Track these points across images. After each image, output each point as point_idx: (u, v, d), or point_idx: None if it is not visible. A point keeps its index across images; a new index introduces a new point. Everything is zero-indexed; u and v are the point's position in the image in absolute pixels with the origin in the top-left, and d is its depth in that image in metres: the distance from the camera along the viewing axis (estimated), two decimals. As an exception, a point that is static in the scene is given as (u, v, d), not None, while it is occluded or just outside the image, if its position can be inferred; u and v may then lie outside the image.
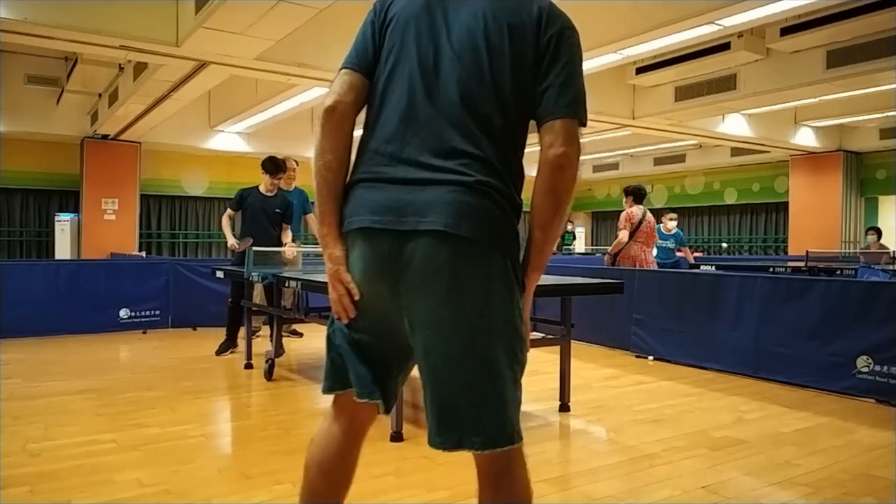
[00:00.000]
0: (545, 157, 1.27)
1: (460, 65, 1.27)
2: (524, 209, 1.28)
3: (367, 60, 1.36)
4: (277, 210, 5.26)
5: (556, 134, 1.26)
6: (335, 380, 1.38)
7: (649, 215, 6.26)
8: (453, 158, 1.23)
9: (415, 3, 1.35)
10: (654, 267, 6.33)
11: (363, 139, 1.34)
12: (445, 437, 1.25)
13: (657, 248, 7.34)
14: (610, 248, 6.44)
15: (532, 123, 1.34)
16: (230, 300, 5.26)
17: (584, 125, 1.30)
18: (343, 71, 1.38)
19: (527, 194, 1.26)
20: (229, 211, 5.34)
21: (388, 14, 1.37)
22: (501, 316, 1.24)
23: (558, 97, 1.27)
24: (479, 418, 1.23)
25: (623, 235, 6.13)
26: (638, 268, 6.06)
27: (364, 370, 1.34)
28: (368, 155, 1.31)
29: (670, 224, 7.67)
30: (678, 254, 7.97)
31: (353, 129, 1.35)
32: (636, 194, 6.17)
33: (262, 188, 5.34)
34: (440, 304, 1.22)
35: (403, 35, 1.33)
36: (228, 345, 5.28)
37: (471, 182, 1.22)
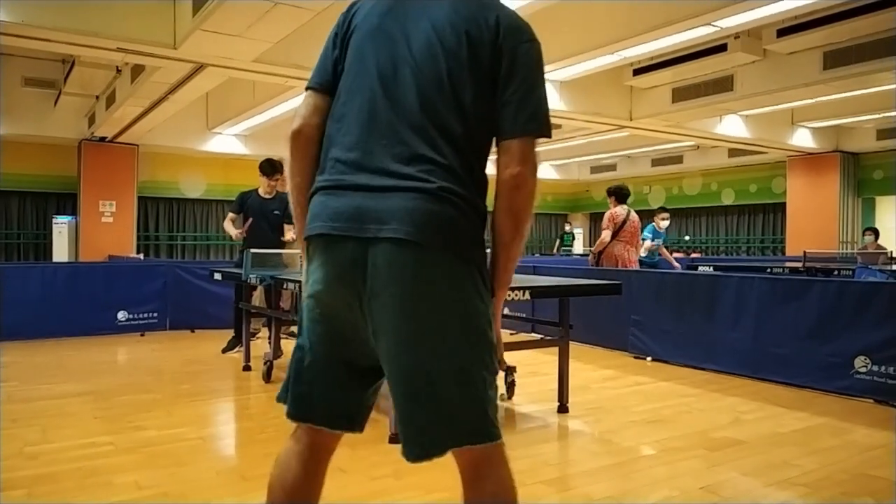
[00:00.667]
0: (501, 177, 1.28)
1: (420, 73, 1.27)
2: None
3: (328, 78, 1.38)
4: (276, 212, 5.27)
5: (512, 155, 1.27)
6: (298, 408, 1.35)
7: (633, 215, 6.34)
8: (415, 165, 1.23)
9: (375, 13, 1.36)
10: (636, 267, 6.37)
11: (325, 149, 1.34)
12: (412, 447, 1.25)
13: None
14: (593, 248, 6.53)
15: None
16: (236, 301, 5.33)
17: (548, 136, 1.30)
18: (307, 93, 1.41)
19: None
20: (231, 214, 5.39)
21: (351, 25, 1.38)
22: (466, 323, 1.23)
23: (515, 115, 1.27)
24: (444, 425, 1.23)
25: (605, 235, 6.23)
26: (621, 267, 6.11)
27: (327, 397, 1.32)
28: (330, 163, 1.31)
29: (663, 223, 7.69)
30: (660, 254, 7.93)
31: (319, 151, 1.37)
32: (619, 194, 6.27)
33: (260, 191, 5.35)
34: (402, 313, 1.21)
35: (364, 45, 1.34)
36: (235, 342, 5.33)
37: (433, 189, 1.21)
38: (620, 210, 6.28)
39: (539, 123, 1.29)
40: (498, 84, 1.28)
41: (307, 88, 1.42)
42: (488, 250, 1.34)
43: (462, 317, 1.23)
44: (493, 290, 1.34)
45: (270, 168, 5.28)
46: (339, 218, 1.24)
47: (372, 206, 1.22)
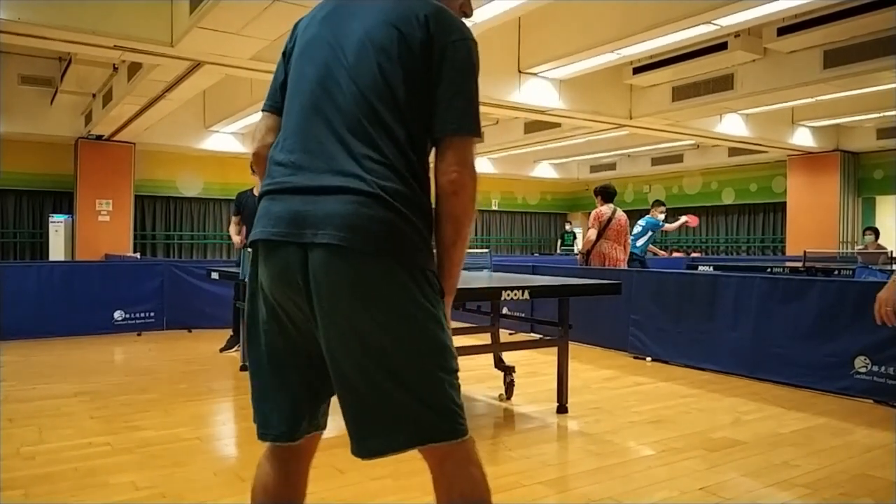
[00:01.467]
0: (439, 182, 1.28)
1: (355, 73, 1.27)
2: None
3: (278, 99, 1.41)
4: None
5: (447, 160, 1.27)
6: (260, 423, 1.36)
7: (619, 213, 6.40)
8: (354, 164, 1.22)
9: (314, 23, 1.39)
10: (624, 265, 6.42)
11: (270, 154, 1.35)
12: (361, 445, 1.25)
13: (641, 240, 7.43)
14: (581, 247, 6.66)
15: None
16: (235, 300, 5.35)
17: (477, 136, 1.29)
18: (263, 114, 1.45)
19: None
20: (234, 218, 5.44)
21: (295, 41, 1.42)
22: (409, 325, 1.22)
23: (445, 114, 1.27)
24: (388, 426, 1.23)
25: (591, 233, 6.34)
26: (609, 266, 6.19)
27: (285, 406, 1.32)
28: (274, 167, 1.32)
29: (661, 216, 7.75)
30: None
31: None
32: (605, 193, 6.35)
33: (255, 191, 5.35)
34: (342, 317, 1.21)
35: (303, 54, 1.37)
36: (233, 341, 5.36)
37: (370, 190, 1.20)
38: (606, 209, 6.35)
39: (469, 123, 1.28)
40: (430, 81, 1.27)
41: (262, 110, 1.46)
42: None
43: (404, 319, 1.22)
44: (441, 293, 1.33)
45: None
46: (279, 223, 1.24)
47: (308, 210, 1.22)
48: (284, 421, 1.33)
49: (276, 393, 1.33)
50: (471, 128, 1.28)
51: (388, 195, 1.21)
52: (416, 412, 1.23)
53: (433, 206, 1.31)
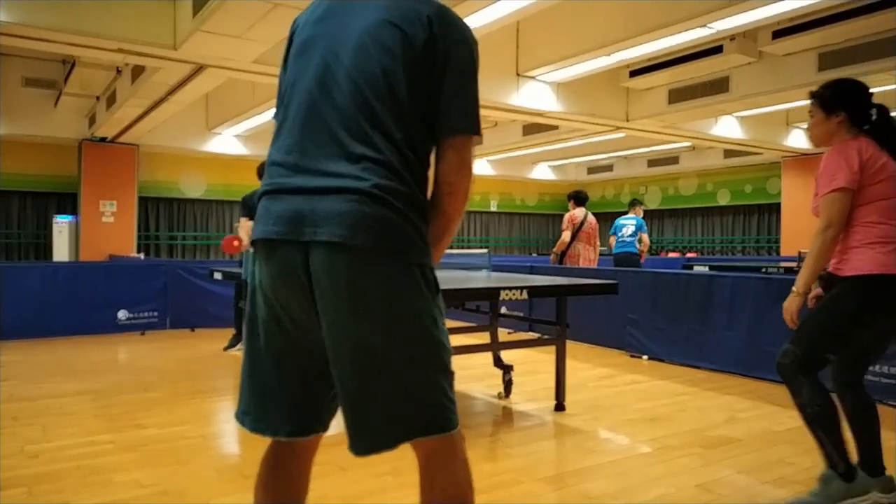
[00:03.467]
0: (437, 182, 1.32)
1: (354, 72, 1.28)
2: None
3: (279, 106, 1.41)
4: None
5: (449, 162, 1.30)
6: (255, 418, 1.37)
7: (591, 217, 6.93)
8: (351, 164, 1.23)
9: (311, 22, 1.39)
10: (595, 265, 6.82)
11: (269, 155, 1.36)
12: (359, 443, 1.26)
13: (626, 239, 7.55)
14: (555, 248, 7.05)
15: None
16: (236, 300, 5.44)
17: (478, 135, 1.32)
18: (274, 125, 1.44)
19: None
20: (243, 220, 5.40)
21: (293, 42, 1.42)
22: (404, 322, 1.24)
23: (449, 112, 1.29)
24: (386, 422, 1.25)
25: (565, 236, 6.86)
26: (582, 265, 6.58)
27: (287, 407, 1.34)
28: (272, 168, 1.32)
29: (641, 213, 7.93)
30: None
31: None
32: (577, 198, 6.90)
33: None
34: (342, 315, 1.22)
35: (301, 54, 1.36)
36: (236, 340, 5.42)
37: (368, 189, 1.21)
38: (579, 212, 6.86)
39: (470, 122, 1.31)
40: (432, 81, 1.29)
41: (275, 118, 1.45)
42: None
43: (400, 316, 1.24)
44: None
45: None
46: (279, 222, 1.25)
47: (309, 208, 1.23)
48: (284, 418, 1.34)
49: (274, 391, 1.34)
50: (471, 128, 1.31)
51: (386, 194, 1.22)
52: (409, 408, 1.25)
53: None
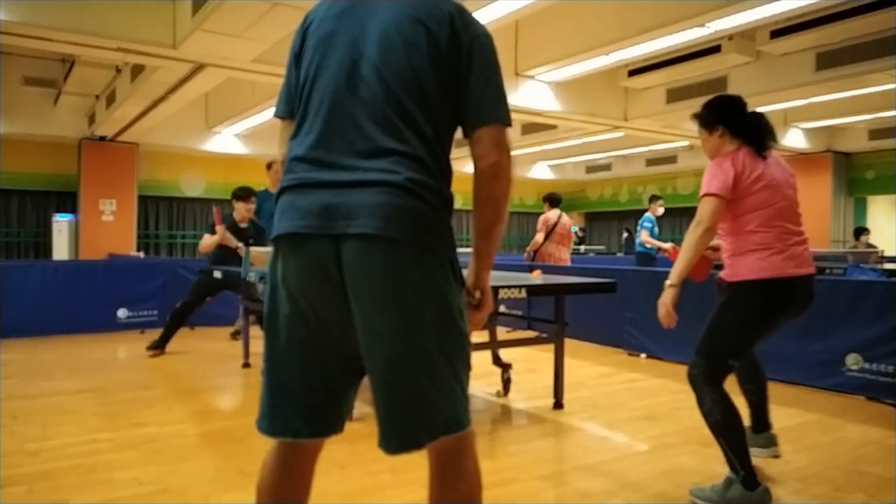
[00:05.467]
0: (478, 167, 1.31)
1: (381, 67, 1.28)
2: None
3: (294, 102, 1.39)
4: (251, 239, 5.28)
5: (486, 144, 1.30)
6: (273, 420, 1.35)
7: (564, 218, 7.16)
8: (381, 157, 1.24)
9: (330, 17, 1.37)
10: (568, 263, 7.03)
11: (290, 150, 1.34)
12: (391, 440, 1.27)
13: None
14: (528, 248, 7.36)
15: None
16: (184, 301, 5.23)
17: (509, 125, 1.33)
18: (282, 122, 1.44)
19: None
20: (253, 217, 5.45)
21: (307, 38, 1.40)
22: (438, 315, 1.25)
23: (480, 104, 1.30)
24: (419, 418, 1.25)
25: (539, 236, 7.14)
26: (552, 263, 6.80)
27: (304, 405, 1.32)
28: (295, 163, 1.31)
29: (660, 210, 8.00)
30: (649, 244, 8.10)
31: None
32: (552, 200, 7.17)
33: (235, 216, 5.41)
34: (377, 308, 1.22)
35: (323, 46, 1.34)
36: (164, 342, 5.21)
37: (399, 181, 1.22)
38: (552, 214, 7.11)
39: (502, 111, 1.32)
40: (458, 75, 1.31)
41: (277, 116, 1.45)
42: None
43: (435, 309, 1.24)
44: (476, 273, 1.37)
45: (246, 193, 5.36)
46: (308, 216, 1.24)
47: (340, 202, 1.22)
48: (305, 419, 1.32)
49: (295, 391, 1.32)
50: (503, 117, 1.32)
51: (418, 187, 1.23)
52: (437, 405, 1.25)
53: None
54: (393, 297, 1.21)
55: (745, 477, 2.28)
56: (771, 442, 2.78)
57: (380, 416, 1.28)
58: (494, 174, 1.30)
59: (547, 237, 7.09)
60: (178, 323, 5.29)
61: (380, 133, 1.25)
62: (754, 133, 2.41)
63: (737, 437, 2.31)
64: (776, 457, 2.77)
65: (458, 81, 1.30)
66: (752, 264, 2.33)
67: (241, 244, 5.22)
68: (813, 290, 2.42)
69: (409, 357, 1.23)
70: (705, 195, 2.40)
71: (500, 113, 1.32)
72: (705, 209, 2.38)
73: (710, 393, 2.36)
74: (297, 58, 1.41)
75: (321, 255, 1.23)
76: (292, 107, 1.40)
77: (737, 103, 2.51)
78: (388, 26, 1.30)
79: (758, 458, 2.61)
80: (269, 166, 5.75)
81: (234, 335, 5.96)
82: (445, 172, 1.31)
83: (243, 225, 5.45)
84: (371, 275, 1.21)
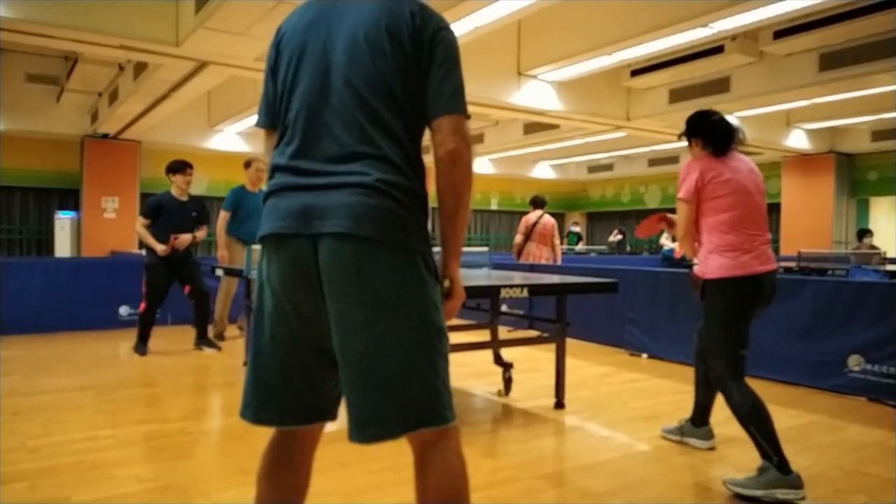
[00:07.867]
0: (438, 155, 1.35)
1: (351, 73, 1.33)
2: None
3: (274, 112, 1.45)
4: (193, 213, 5.27)
5: (444, 132, 1.34)
6: (257, 409, 1.40)
7: (545, 218, 7.33)
8: (353, 161, 1.30)
9: (299, 29, 1.43)
10: (547, 262, 7.18)
11: (273, 159, 1.40)
12: (364, 429, 1.29)
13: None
14: (512, 248, 7.60)
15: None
16: (146, 304, 5.12)
17: (466, 116, 1.38)
18: (265, 133, 1.50)
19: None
20: (144, 220, 5.18)
21: (280, 47, 1.45)
22: (412, 310, 1.29)
23: (439, 96, 1.35)
24: (395, 408, 1.27)
25: (518, 238, 7.41)
26: (533, 262, 7.06)
27: (292, 395, 1.38)
28: (278, 172, 1.38)
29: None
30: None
31: None
32: (535, 202, 7.39)
33: (174, 192, 5.28)
34: (350, 304, 1.27)
35: (296, 59, 1.40)
36: (144, 345, 5.18)
37: (370, 182, 1.28)
38: (533, 215, 7.30)
39: (458, 103, 1.36)
40: (421, 71, 1.35)
41: (258, 126, 1.51)
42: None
43: (406, 303, 1.29)
44: (444, 263, 1.41)
45: (180, 165, 5.27)
46: (288, 217, 1.31)
47: (316, 203, 1.29)
48: (287, 407, 1.38)
49: (277, 382, 1.38)
50: (460, 108, 1.37)
51: (388, 186, 1.28)
52: (412, 396, 1.28)
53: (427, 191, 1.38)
54: (365, 290, 1.26)
55: (780, 462, 2.41)
56: (710, 434, 3.01)
57: (352, 407, 1.31)
58: (452, 160, 1.34)
59: (527, 238, 7.31)
60: (147, 325, 5.20)
61: (351, 139, 1.31)
62: (721, 141, 2.69)
63: (767, 425, 2.45)
64: (712, 448, 2.97)
65: (422, 78, 1.35)
66: (726, 264, 2.56)
67: (164, 246, 5.04)
68: (776, 282, 2.64)
69: (383, 349, 1.27)
70: (678, 199, 2.69)
71: (457, 104, 1.36)
72: (679, 214, 2.71)
73: (735, 387, 2.52)
74: (272, 70, 1.46)
75: (299, 254, 1.30)
76: (271, 117, 1.46)
77: (709, 116, 2.78)
78: (354, 34, 1.35)
79: (697, 448, 2.95)
80: (247, 164, 5.76)
81: (242, 329, 5.96)
82: (417, 171, 1.36)
83: (183, 198, 5.30)
84: (344, 271, 1.26)
